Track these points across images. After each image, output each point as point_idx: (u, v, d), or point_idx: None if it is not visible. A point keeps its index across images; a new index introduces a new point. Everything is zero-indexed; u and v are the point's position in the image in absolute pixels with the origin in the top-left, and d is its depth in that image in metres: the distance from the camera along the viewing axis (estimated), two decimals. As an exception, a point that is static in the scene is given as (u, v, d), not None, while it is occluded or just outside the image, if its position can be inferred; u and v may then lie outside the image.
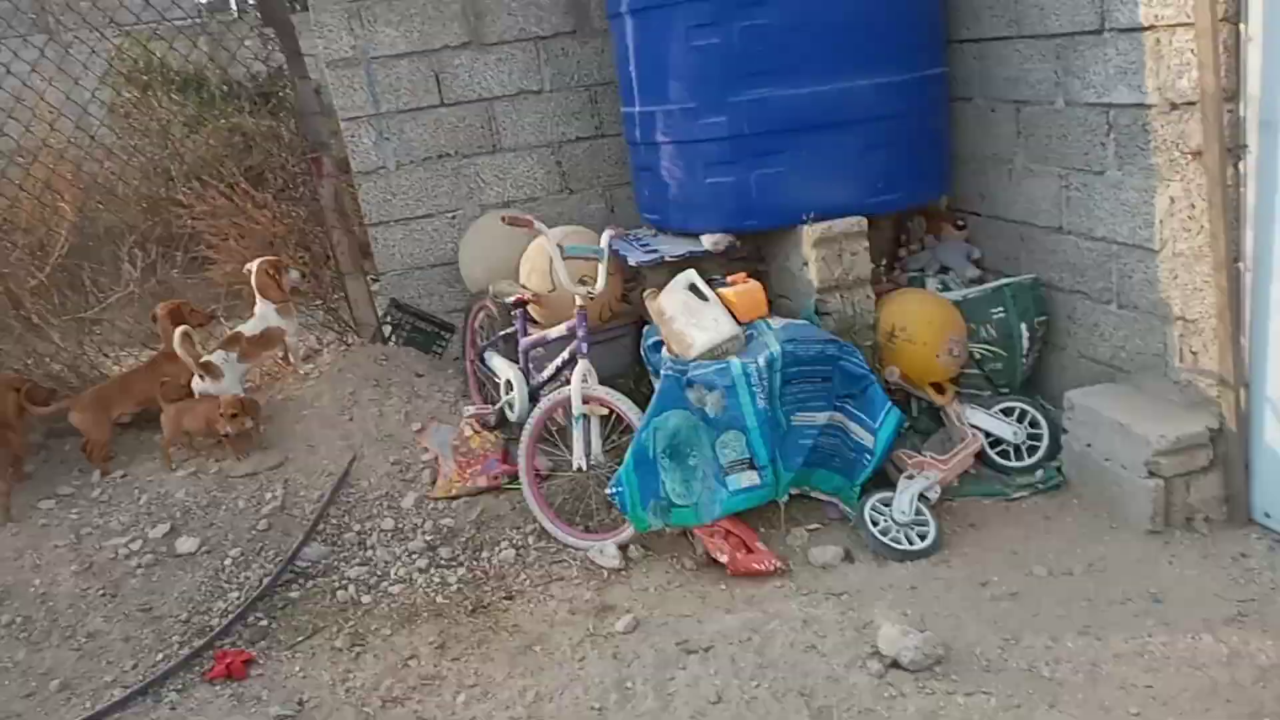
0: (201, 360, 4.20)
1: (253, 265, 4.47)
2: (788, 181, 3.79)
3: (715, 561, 3.43)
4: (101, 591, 3.52)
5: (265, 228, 4.71)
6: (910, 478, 3.60)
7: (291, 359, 4.64)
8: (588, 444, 3.66)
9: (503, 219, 3.65)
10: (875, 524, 3.49)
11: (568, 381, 3.90)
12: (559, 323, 3.97)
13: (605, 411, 3.68)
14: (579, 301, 3.69)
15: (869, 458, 3.56)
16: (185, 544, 3.70)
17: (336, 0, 4.37)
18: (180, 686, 3.11)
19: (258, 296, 4.46)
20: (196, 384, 4.21)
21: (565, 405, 3.73)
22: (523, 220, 3.69)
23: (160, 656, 3.24)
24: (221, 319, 5.03)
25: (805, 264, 3.85)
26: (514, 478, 3.95)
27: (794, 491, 3.67)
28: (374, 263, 4.84)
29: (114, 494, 4.05)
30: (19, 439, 4.21)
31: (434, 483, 4.02)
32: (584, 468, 3.67)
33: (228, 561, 3.64)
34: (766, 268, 4.18)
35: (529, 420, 3.81)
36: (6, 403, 4.19)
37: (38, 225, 4.68)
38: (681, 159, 3.96)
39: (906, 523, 3.48)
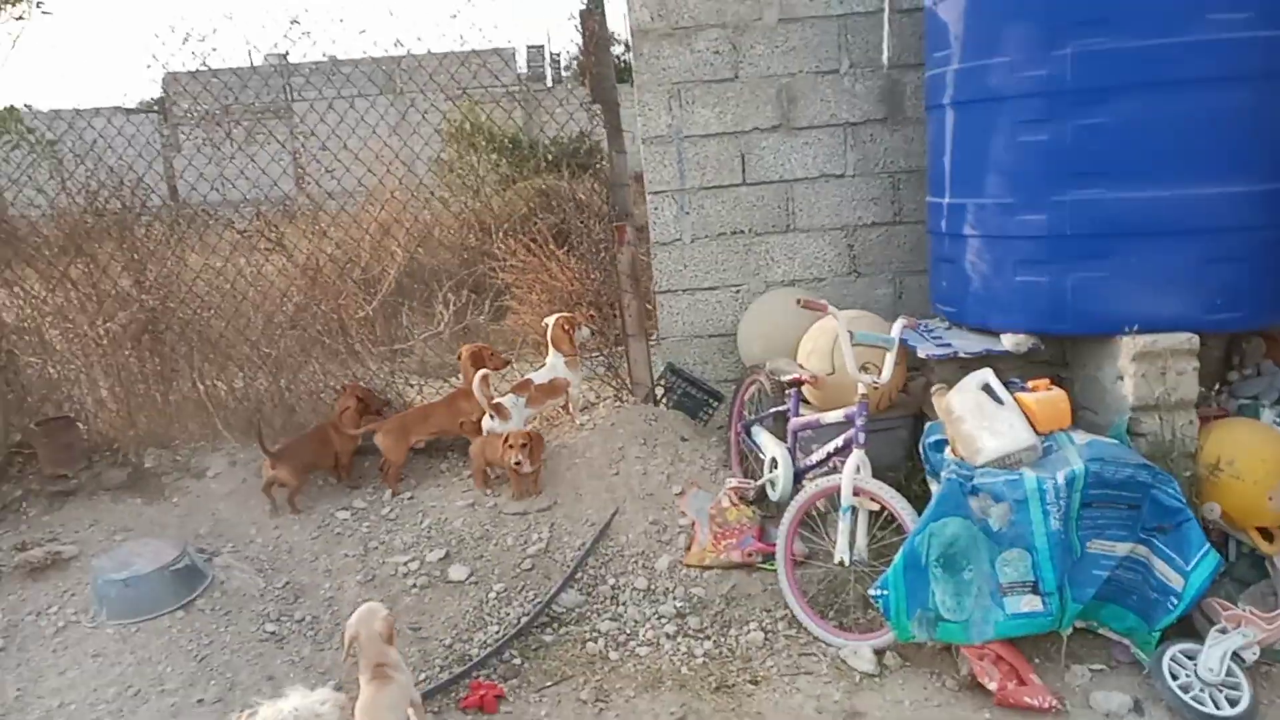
0: (494, 401, 4.49)
1: (550, 319, 4.77)
2: (1109, 288, 3.51)
3: (980, 686, 3.16)
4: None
5: (565, 285, 5.00)
6: (1223, 631, 3.16)
7: (571, 409, 4.86)
8: (852, 538, 3.52)
9: (797, 301, 3.63)
10: (1175, 678, 3.09)
11: (835, 469, 3.79)
12: (832, 407, 3.89)
13: (876, 507, 3.52)
14: (861, 390, 3.58)
15: (1175, 601, 3.17)
16: (457, 571, 3.93)
17: (660, 83, 4.63)
18: (436, 709, 3.27)
19: (550, 348, 4.74)
20: (486, 423, 4.51)
21: (833, 493, 3.61)
22: (817, 305, 3.65)
23: (422, 676, 3.42)
24: (513, 363, 5.37)
25: (1120, 378, 3.53)
26: (767, 557, 3.87)
27: (1078, 624, 3.33)
28: (655, 327, 5.00)
29: (401, 514, 4.39)
30: (347, 443, 4.66)
31: (688, 548, 4.02)
32: (845, 562, 3.52)
33: (491, 595, 3.82)
34: (1070, 375, 3.88)
35: (793, 504, 3.72)
36: (348, 409, 4.68)
37: (373, 264, 5.24)
38: (990, 254, 3.78)
39: (1214, 682, 3.06)
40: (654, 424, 4.67)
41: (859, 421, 3.56)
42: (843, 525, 3.52)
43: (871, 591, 3.31)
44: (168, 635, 3.66)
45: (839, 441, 3.72)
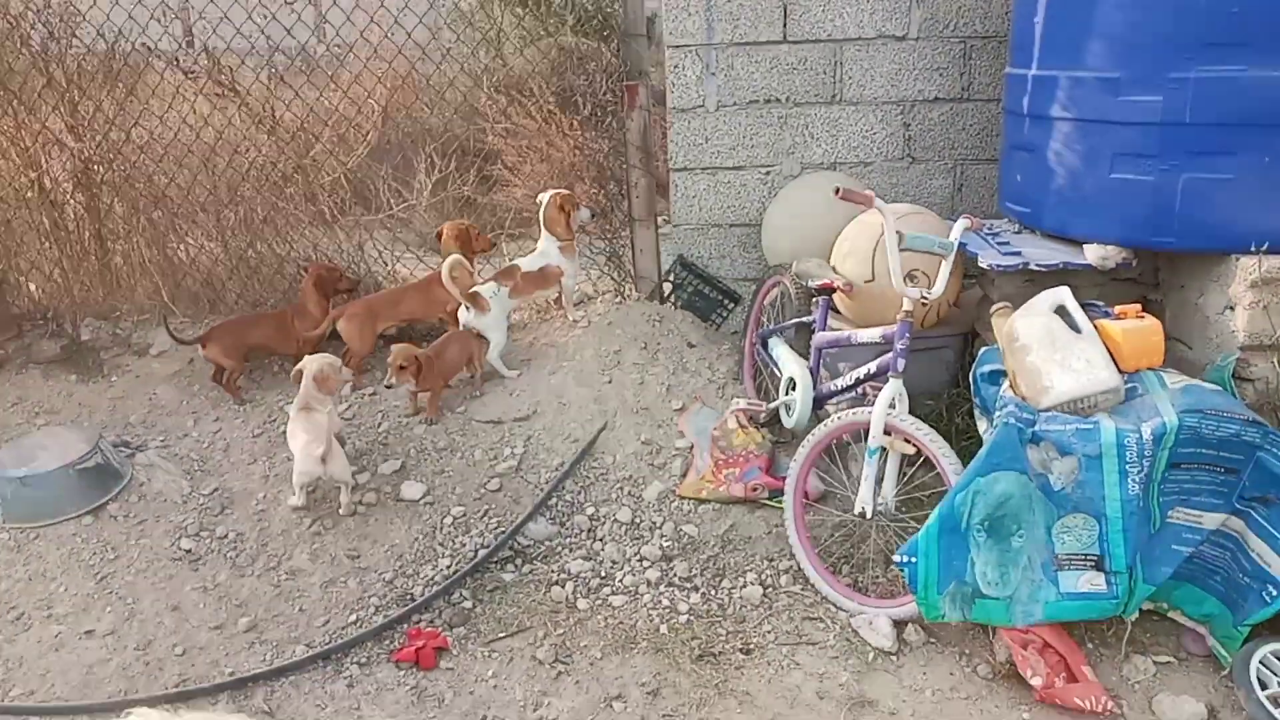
0: (470, 290, 3.84)
1: (544, 196, 4.07)
2: (1232, 193, 2.77)
3: (1019, 677, 2.59)
4: (313, 523, 3.25)
5: (565, 155, 4.27)
6: (1331, 635, 2.55)
7: (564, 302, 4.22)
8: (878, 485, 2.90)
9: (835, 191, 2.88)
10: (1264, 686, 2.51)
11: (865, 397, 3.16)
12: (867, 321, 3.26)
13: (911, 450, 2.88)
14: (906, 305, 2.89)
15: (1274, 591, 2.54)
16: (411, 489, 3.38)
17: (688, -93, 3.78)
18: (364, 660, 2.76)
19: (543, 231, 4.07)
20: (462, 315, 3.88)
21: (859, 429, 2.98)
22: (859, 196, 2.89)
23: (353, 618, 2.91)
24: (502, 246, 4.70)
25: (1229, 307, 2.83)
26: (774, 493, 3.30)
27: (1144, 606, 2.72)
28: (668, 211, 4.29)
29: (358, 413, 3.82)
30: (310, 329, 4.05)
31: (684, 476, 3.44)
32: (867, 514, 2.92)
33: (448, 520, 3.27)
34: (1161, 299, 3.17)
35: (810, 436, 3.09)
36: (307, 290, 4.08)
37: (343, 121, 4.51)
38: (1082, 142, 3.01)
39: (1314, 698, 2.46)
40: (658, 325, 4.05)
41: (900, 345, 2.89)
42: (868, 469, 2.90)
43: (896, 559, 2.70)
44: (69, 546, 3.16)
45: (872, 366, 3.08)
